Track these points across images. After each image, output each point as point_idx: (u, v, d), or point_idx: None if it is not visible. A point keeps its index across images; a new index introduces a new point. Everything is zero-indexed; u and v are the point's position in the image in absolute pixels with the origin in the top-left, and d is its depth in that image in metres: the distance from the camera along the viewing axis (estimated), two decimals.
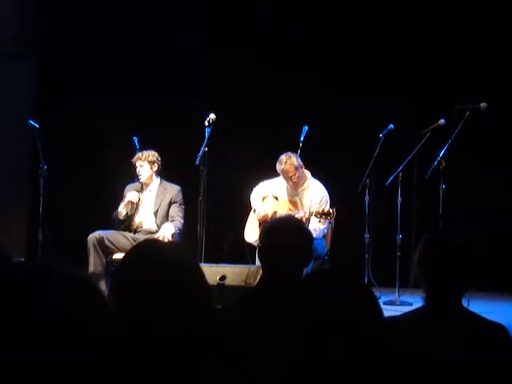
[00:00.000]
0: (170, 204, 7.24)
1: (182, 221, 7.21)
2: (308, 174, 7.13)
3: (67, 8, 9.06)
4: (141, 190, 7.30)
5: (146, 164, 7.21)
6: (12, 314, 1.15)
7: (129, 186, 7.37)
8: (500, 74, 8.18)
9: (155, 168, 7.26)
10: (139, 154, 7.24)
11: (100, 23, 8.94)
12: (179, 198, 7.28)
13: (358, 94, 8.44)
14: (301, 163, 6.99)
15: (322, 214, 6.65)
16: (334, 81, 8.59)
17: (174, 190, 7.30)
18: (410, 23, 8.40)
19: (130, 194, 7.23)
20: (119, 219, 7.20)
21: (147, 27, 8.93)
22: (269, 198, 7.20)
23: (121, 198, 7.32)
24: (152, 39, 8.93)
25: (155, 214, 7.22)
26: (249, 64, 8.74)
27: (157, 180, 7.33)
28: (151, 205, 7.27)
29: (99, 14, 8.96)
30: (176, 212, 7.22)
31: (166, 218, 7.21)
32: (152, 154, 7.24)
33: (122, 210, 7.18)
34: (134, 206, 7.24)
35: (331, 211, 6.65)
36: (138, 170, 7.23)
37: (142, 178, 7.25)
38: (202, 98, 8.27)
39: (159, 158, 7.28)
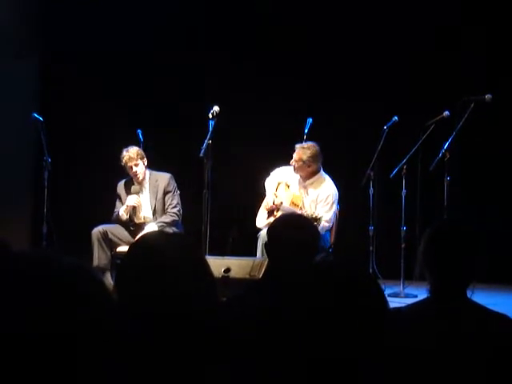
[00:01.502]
0: (165, 194, 7.18)
1: (178, 208, 7.16)
2: (320, 169, 7.07)
3: (68, 7, 9.09)
4: (139, 190, 7.19)
5: (139, 162, 7.08)
6: (12, 302, 1.15)
7: (121, 183, 7.27)
8: (504, 65, 8.15)
9: (145, 162, 7.16)
10: (130, 155, 7.02)
11: (99, 19, 8.95)
12: (172, 185, 7.19)
13: (363, 86, 8.43)
14: (311, 161, 6.89)
15: (311, 219, 6.54)
16: (338, 72, 8.57)
17: (164, 178, 7.20)
18: (414, 15, 8.37)
19: (131, 199, 7.09)
20: (122, 221, 7.13)
21: (147, 27, 8.93)
22: (282, 185, 7.18)
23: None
24: (152, 39, 8.93)
25: (154, 208, 7.17)
26: (252, 57, 8.73)
27: (147, 173, 7.23)
28: (147, 200, 7.22)
29: (99, 13, 8.98)
30: (169, 202, 7.15)
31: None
32: (138, 150, 7.13)
33: (124, 214, 7.09)
34: (134, 210, 7.17)
35: (318, 217, 6.55)
36: (134, 170, 7.06)
37: (141, 177, 7.12)
38: (205, 90, 8.26)
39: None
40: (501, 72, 8.08)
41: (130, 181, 7.22)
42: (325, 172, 7.09)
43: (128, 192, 7.18)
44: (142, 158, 7.10)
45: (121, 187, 7.25)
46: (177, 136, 8.76)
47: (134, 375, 1.65)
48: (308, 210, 6.78)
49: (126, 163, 7.06)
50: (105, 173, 8.32)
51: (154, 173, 7.25)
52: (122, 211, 7.11)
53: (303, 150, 6.92)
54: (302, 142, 7.11)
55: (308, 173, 7.01)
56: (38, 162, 8.14)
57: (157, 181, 7.19)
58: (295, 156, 6.95)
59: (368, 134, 7.74)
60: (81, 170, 9.02)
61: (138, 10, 8.98)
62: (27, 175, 9.08)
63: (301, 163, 6.93)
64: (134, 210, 7.16)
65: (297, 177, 7.08)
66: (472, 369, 2.36)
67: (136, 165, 7.07)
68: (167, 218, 7.09)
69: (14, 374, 1.12)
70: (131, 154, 7.04)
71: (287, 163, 7.07)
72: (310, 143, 7.00)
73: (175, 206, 7.15)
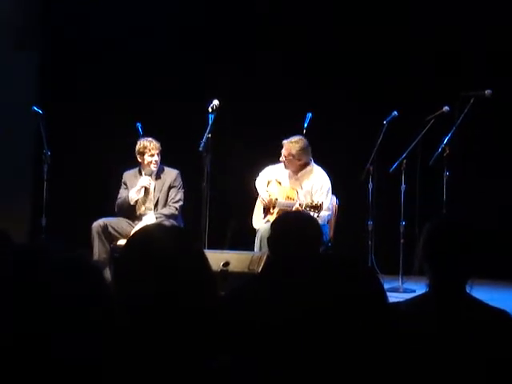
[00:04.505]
0: (170, 189, 7.18)
1: (180, 203, 7.15)
2: (311, 160, 7.11)
3: (69, 3, 9.09)
4: (151, 172, 7.18)
5: (159, 152, 7.10)
6: (11, 292, 1.15)
7: (127, 173, 7.27)
8: (505, 60, 8.14)
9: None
10: (155, 144, 7.05)
11: (100, 15, 8.95)
12: (178, 182, 7.19)
13: (362, 81, 8.42)
14: (300, 154, 6.93)
15: (311, 207, 6.59)
16: (338, 67, 8.57)
17: (172, 174, 7.21)
18: (414, 10, 8.37)
19: (143, 180, 7.10)
20: (129, 205, 7.11)
21: (149, 25, 8.92)
22: (272, 183, 7.21)
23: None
24: (153, 38, 8.92)
25: (156, 200, 7.17)
26: (252, 52, 8.73)
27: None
28: (152, 192, 7.22)
29: (99, 10, 8.98)
30: (173, 196, 7.16)
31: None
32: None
33: (135, 196, 7.09)
34: (145, 192, 7.16)
35: (319, 204, 6.59)
36: (154, 159, 7.05)
37: (157, 167, 7.14)
38: (205, 84, 8.26)
39: None
40: (501, 67, 8.06)
41: (138, 171, 7.22)
42: (316, 164, 7.11)
43: (140, 175, 7.18)
44: (161, 151, 7.13)
45: (128, 175, 7.25)
46: (176, 129, 8.75)
47: (132, 369, 1.65)
48: (305, 201, 6.78)
49: (150, 150, 7.05)
50: (104, 166, 8.32)
51: (163, 166, 7.26)
52: (134, 192, 7.09)
53: (292, 145, 6.94)
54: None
55: (298, 166, 7.03)
56: (37, 155, 8.14)
57: (164, 174, 7.21)
58: (284, 151, 6.98)
59: (368, 128, 7.73)
60: (80, 163, 9.01)
61: (139, 9, 8.96)
62: (27, 168, 9.08)
63: (290, 158, 6.96)
64: (144, 191, 7.12)
65: (286, 172, 7.11)
66: (471, 364, 2.36)
67: (158, 154, 7.09)
68: (166, 211, 7.10)
69: (15, 366, 1.12)
70: (156, 143, 7.08)
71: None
72: (297, 137, 7.01)
73: (177, 201, 7.16)
